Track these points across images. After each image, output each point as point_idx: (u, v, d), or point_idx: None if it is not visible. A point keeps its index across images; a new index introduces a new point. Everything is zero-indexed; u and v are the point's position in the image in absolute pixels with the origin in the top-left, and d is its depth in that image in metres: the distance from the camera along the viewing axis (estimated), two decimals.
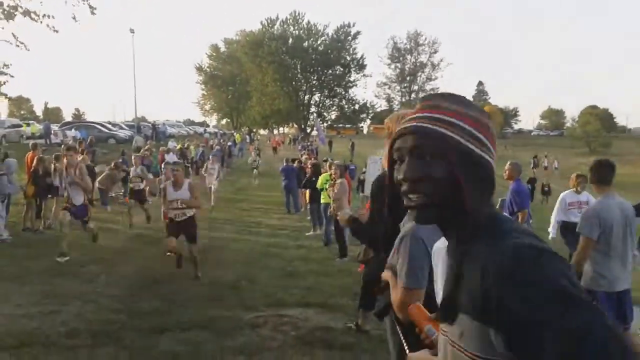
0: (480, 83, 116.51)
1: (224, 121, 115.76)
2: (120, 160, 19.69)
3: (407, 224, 2.64)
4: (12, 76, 14.95)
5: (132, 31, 48.01)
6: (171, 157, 23.38)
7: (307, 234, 14.73)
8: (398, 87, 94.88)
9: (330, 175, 12.38)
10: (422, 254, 2.53)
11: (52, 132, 35.60)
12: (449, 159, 1.29)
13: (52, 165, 13.13)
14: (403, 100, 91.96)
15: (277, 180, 27.09)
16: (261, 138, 72.06)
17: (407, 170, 1.33)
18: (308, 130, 71.54)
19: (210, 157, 21.12)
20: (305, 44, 72.23)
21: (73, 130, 37.14)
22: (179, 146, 29.66)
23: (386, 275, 2.65)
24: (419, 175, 1.31)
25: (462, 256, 1.29)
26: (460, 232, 1.32)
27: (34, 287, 8.29)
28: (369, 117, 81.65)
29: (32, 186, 12.98)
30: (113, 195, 18.95)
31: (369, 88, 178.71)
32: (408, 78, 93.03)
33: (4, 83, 14.84)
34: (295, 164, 20.17)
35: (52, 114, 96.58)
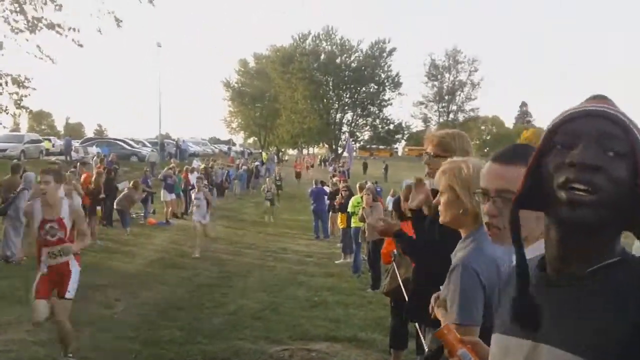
0: (523, 104, 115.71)
1: (251, 140, 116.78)
2: (142, 179, 19.94)
3: (458, 253, 2.55)
4: (34, 89, 15.23)
5: (159, 45, 48.92)
6: (194, 177, 23.60)
7: (336, 262, 14.68)
8: (435, 107, 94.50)
9: (362, 197, 12.34)
10: (475, 287, 2.41)
11: (73, 148, 36.32)
12: (637, 160, 1.14)
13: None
14: (440, 120, 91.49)
15: (305, 203, 27.18)
16: (290, 158, 72.46)
17: (584, 154, 1.14)
18: (339, 151, 71.63)
19: (195, 182, 17.44)
20: (338, 60, 72.63)
21: (95, 146, 37.87)
22: (202, 165, 29.88)
23: (437, 310, 2.57)
24: (598, 163, 1.13)
25: (591, 284, 1.17)
26: (601, 254, 1.18)
27: None
28: (404, 137, 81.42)
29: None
30: (134, 216, 19.17)
31: (405, 107, 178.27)
32: (446, 97, 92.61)
33: (26, 96, 15.08)
34: (330, 187, 20.15)
35: (74, 130, 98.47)
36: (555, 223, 1.20)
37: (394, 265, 6.55)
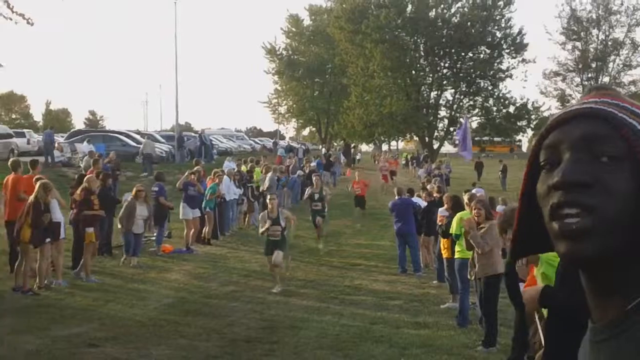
0: None
1: (306, 131, 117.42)
2: (156, 189, 20.26)
3: None
4: (0, 65, 15.77)
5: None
6: (227, 186, 23.88)
7: (442, 306, 14.59)
8: (578, 79, 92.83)
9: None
10: None
11: (56, 145, 37.25)
12: (638, 158, 1.21)
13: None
14: None
15: (385, 223, 27.10)
16: (363, 156, 72.51)
17: (568, 170, 1.23)
18: (435, 146, 71.22)
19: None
20: (432, 13, 72.19)
21: (85, 142, 38.51)
22: (242, 168, 30.18)
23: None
24: (587, 178, 1.21)
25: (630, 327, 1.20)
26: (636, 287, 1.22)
27: None
28: (532, 125, 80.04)
29: (28, 227, 13.57)
30: (144, 240, 19.53)
31: (532, 81, 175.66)
32: (594, 65, 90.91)
33: None
34: (424, 197, 20.05)
35: (57, 120, 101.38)
36: (565, 265, 1.28)
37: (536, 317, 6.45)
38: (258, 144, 77.87)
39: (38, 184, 13.90)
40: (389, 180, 44.67)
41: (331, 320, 12.96)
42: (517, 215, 1.39)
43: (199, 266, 18.30)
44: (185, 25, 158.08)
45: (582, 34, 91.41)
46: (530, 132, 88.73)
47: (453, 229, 13.24)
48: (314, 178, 26.34)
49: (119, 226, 17.80)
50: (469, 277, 12.38)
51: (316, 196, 24.30)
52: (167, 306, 13.47)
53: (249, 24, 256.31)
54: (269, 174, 28.85)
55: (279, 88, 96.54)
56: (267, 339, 11.25)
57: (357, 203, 30.88)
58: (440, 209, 17.01)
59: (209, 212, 22.03)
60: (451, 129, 61.65)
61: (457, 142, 52.40)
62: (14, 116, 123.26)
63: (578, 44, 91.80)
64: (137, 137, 45.62)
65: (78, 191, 15.94)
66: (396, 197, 19.81)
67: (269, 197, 16.79)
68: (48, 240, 14.02)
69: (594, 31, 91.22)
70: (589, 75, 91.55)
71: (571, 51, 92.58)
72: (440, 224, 15.48)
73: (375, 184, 41.57)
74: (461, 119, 47.75)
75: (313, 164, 41.77)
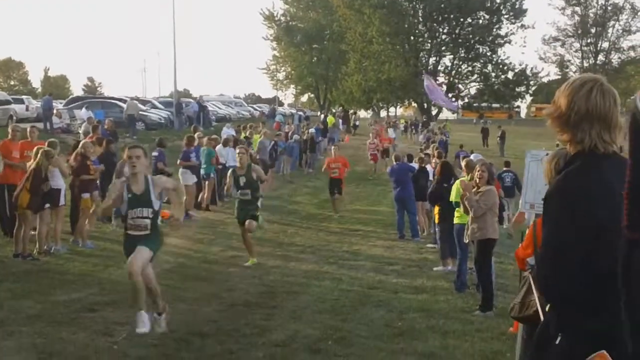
0: None
1: (305, 97, 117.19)
2: (156, 154, 20.22)
3: None
4: None
5: None
6: (227, 152, 23.87)
7: (435, 269, 14.72)
8: (577, 44, 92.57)
9: (473, 178, 12.26)
10: None
11: (55, 111, 37.19)
12: None
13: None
14: (585, 64, 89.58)
15: (385, 188, 27.11)
16: (361, 122, 72.36)
17: None
18: (433, 112, 71.12)
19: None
20: None
21: (84, 109, 38.66)
22: (241, 135, 30.18)
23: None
24: None
25: None
26: None
27: (21, 339, 8.69)
28: (530, 91, 79.92)
29: (27, 193, 13.56)
30: None
31: (530, 46, 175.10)
32: (593, 30, 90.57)
33: None
34: (417, 161, 20.11)
35: (55, 86, 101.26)
36: None
37: (530, 279, 6.48)
38: (257, 110, 77.60)
39: (40, 151, 13.86)
40: (379, 159, 38.27)
41: (330, 285, 12.98)
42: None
43: (198, 232, 18.35)
44: None
45: None
46: (528, 98, 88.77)
47: (452, 196, 13.27)
48: (237, 151, 15.75)
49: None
50: (465, 241, 12.41)
51: (242, 181, 14.40)
52: (167, 271, 13.45)
53: None
54: (261, 139, 28.90)
55: (277, 54, 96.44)
56: (266, 304, 11.28)
57: (332, 187, 23.73)
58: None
59: (211, 178, 22.03)
60: (449, 94, 61.32)
61: (434, 102, 52.19)
62: (12, 83, 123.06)
63: (578, 9, 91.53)
64: (140, 105, 45.65)
65: (72, 157, 15.92)
66: (394, 163, 19.84)
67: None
68: (47, 206, 14.02)
69: None
70: (589, 40, 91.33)
71: (570, 16, 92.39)
72: (430, 189, 15.60)
73: (364, 166, 39.69)
74: (423, 79, 47.06)
75: (311, 130, 41.66)
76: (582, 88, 3.18)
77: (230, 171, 15.15)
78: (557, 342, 3.12)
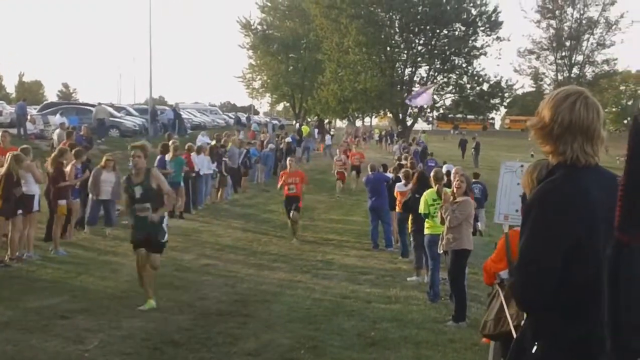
0: None
1: (280, 106, 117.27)
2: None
3: None
4: None
5: None
6: (202, 160, 23.87)
7: (408, 279, 14.78)
8: (552, 57, 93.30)
9: (437, 191, 12.42)
10: None
11: (29, 117, 37.03)
12: None
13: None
14: (559, 77, 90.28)
15: (359, 198, 27.18)
16: (336, 132, 72.47)
17: None
18: (409, 123, 71.33)
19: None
20: None
21: (59, 115, 38.39)
22: (212, 142, 30.17)
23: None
24: None
25: None
26: None
27: None
28: (505, 103, 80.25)
29: (0, 199, 13.47)
30: (118, 210, 19.46)
31: (506, 59, 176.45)
32: (568, 43, 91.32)
33: None
34: (392, 171, 20.18)
35: (29, 92, 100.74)
36: None
37: (501, 294, 6.50)
38: (231, 118, 77.64)
39: (10, 155, 13.79)
40: (347, 178, 33.67)
41: (303, 294, 13.00)
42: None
43: (171, 239, 18.15)
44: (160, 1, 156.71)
45: (557, 12, 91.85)
46: (503, 110, 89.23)
47: (421, 209, 13.30)
48: (132, 153, 11.38)
49: (90, 195, 17.86)
50: (439, 251, 12.46)
51: (138, 191, 11.06)
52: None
53: None
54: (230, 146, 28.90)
55: (254, 63, 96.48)
56: (239, 312, 11.28)
57: (288, 204, 20.10)
58: (397, 184, 17.25)
59: (180, 187, 21.95)
60: (424, 105, 61.56)
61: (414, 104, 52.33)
62: None
63: (553, 22, 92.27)
64: (111, 110, 45.53)
65: (50, 163, 15.84)
66: (369, 173, 19.88)
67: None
68: (20, 212, 13.94)
69: (569, 9, 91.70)
70: (563, 53, 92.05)
71: (546, 29, 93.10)
72: (404, 199, 15.59)
73: (328, 183, 35.26)
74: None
75: (288, 139, 41.71)
76: (566, 100, 3.20)
77: (123, 179, 12.07)
78: (533, 351, 3.15)
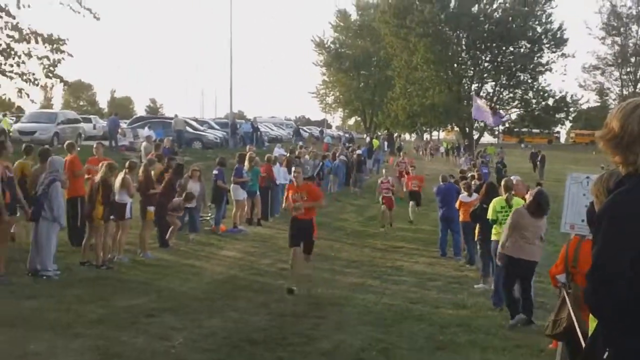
0: None
1: (352, 120, 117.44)
2: (216, 172, 20.36)
3: None
4: (70, 55, 15.97)
5: None
6: (278, 171, 24.04)
7: (475, 286, 14.68)
8: (617, 73, 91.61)
9: (506, 199, 12.31)
10: None
11: (120, 130, 37.89)
12: None
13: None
14: (624, 92, 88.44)
15: (425, 208, 27.00)
16: (405, 145, 72.17)
17: None
18: (475, 136, 70.67)
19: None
20: (475, 8, 71.52)
21: (146, 128, 39.40)
22: (287, 154, 30.32)
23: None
24: None
25: None
26: None
27: (85, 341, 8.89)
28: (570, 117, 78.91)
29: (100, 205, 13.72)
30: (200, 219, 19.72)
31: (571, 74, 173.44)
32: (633, 59, 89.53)
33: (60, 62, 15.80)
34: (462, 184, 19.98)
35: (120, 107, 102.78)
36: None
37: (564, 293, 6.43)
38: (306, 132, 77.96)
39: (104, 164, 14.10)
40: (395, 205, 24.92)
41: (373, 298, 12.99)
42: None
43: (249, 245, 18.44)
44: (240, 22, 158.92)
45: (621, 29, 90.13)
46: (568, 124, 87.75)
47: (490, 214, 13.18)
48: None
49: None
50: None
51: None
52: (220, 282, 13.62)
53: (299, 19, 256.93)
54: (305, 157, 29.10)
55: (327, 79, 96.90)
56: (312, 314, 11.32)
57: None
58: (461, 195, 17.12)
59: (257, 196, 22.12)
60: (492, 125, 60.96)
61: (477, 120, 51.67)
62: (81, 103, 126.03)
63: (617, 39, 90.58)
64: (194, 123, 46.35)
65: (140, 173, 16.13)
66: (441, 183, 19.76)
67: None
68: (112, 217, 14.21)
69: (634, 27, 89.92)
70: (628, 69, 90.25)
71: (610, 46, 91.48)
72: (472, 208, 15.47)
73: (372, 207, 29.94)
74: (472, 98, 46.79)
75: (359, 151, 41.70)
76: (635, 111, 3.13)
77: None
78: (605, 357, 3.09)
